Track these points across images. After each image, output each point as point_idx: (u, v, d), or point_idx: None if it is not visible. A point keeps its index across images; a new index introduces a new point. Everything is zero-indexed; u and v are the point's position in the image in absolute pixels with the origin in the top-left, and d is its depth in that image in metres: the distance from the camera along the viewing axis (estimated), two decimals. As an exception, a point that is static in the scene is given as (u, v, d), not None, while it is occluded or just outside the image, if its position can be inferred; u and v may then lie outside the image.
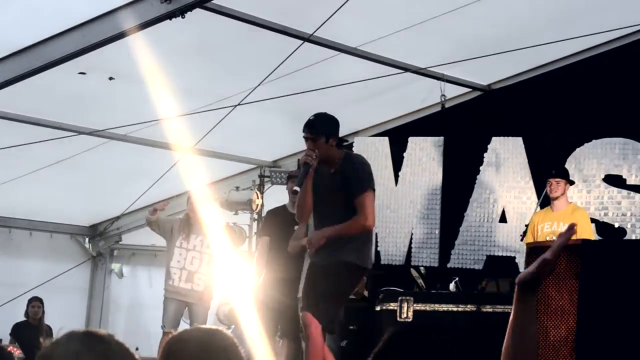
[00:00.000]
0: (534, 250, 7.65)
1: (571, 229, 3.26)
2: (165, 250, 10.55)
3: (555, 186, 9.24)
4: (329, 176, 6.98)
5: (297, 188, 6.84)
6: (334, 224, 6.95)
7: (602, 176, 10.35)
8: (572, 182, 9.46)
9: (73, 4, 8.30)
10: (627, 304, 6.92)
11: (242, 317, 12.14)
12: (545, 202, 9.46)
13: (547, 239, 8.92)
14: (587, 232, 9.09)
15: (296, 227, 10.00)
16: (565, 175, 9.35)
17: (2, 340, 12.20)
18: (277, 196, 11.23)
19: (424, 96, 11.19)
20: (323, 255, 7.05)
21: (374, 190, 7.05)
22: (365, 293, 9.44)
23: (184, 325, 10.41)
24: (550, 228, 9.14)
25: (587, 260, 7.07)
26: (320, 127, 6.95)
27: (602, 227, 10.16)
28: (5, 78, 9.04)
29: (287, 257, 9.74)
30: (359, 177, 6.91)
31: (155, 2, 8.10)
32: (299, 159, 7.01)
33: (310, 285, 7.21)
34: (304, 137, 6.98)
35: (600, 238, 9.89)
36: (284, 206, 10.26)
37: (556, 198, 9.27)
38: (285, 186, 10.49)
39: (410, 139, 11.22)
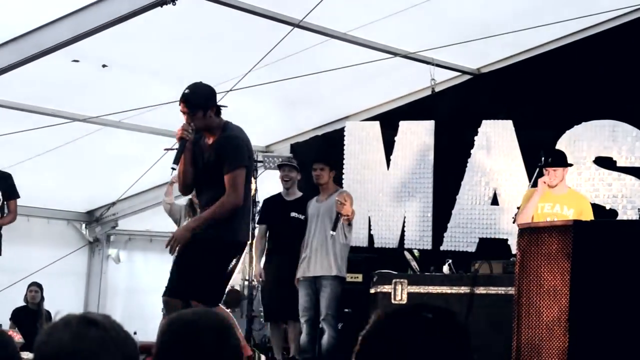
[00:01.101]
0: (526, 230, 7.70)
1: None
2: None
3: (553, 175, 8.93)
4: (207, 148, 6.76)
5: (174, 166, 6.62)
6: (211, 194, 6.72)
7: (593, 158, 10.39)
8: (570, 165, 9.32)
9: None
10: (618, 284, 6.97)
11: (241, 299, 12.29)
12: (535, 184, 9.46)
13: (548, 219, 8.85)
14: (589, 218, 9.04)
15: (294, 214, 10.13)
16: (562, 163, 9.07)
17: (2, 325, 12.27)
18: (271, 181, 11.33)
19: (414, 80, 11.25)
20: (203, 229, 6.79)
21: (246, 166, 6.77)
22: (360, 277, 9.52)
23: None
24: (551, 209, 9.04)
25: (579, 240, 7.13)
26: (197, 100, 6.65)
27: (593, 208, 10.18)
28: (-1, 66, 9.13)
29: (287, 243, 9.86)
30: (232, 153, 6.66)
31: (147, -11, 8.18)
32: (177, 134, 6.68)
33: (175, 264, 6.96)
34: (180, 111, 6.67)
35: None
36: (279, 194, 10.38)
37: (555, 185, 9.03)
38: (277, 172, 10.58)
39: (401, 123, 11.29)
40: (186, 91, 6.73)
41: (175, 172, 6.84)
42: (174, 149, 6.68)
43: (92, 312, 2.72)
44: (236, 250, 6.96)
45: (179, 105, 6.70)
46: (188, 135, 6.62)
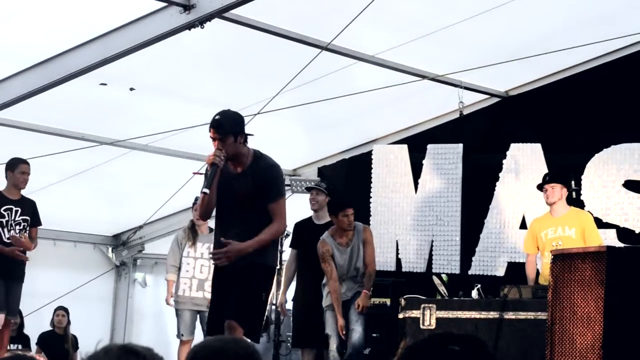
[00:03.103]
0: (559, 257, 7.63)
1: None
2: None
3: (550, 192, 9.10)
4: (234, 177, 6.72)
5: (206, 190, 6.56)
6: (244, 225, 6.67)
7: (622, 182, 10.32)
8: (569, 186, 9.34)
9: (94, 15, 8.36)
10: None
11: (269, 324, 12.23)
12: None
13: (553, 244, 8.85)
14: (596, 237, 9.07)
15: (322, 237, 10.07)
16: (559, 180, 9.19)
17: (31, 349, 12.28)
18: (298, 205, 11.28)
19: (442, 103, 11.21)
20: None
21: (285, 196, 6.90)
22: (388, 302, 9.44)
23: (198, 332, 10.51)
24: (554, 233, 9.06)
25: (613, 267, 7.06)
26: (229, 126, 6.63)
27: (622, 232, 10.15)
28: (28, 89, 9.13)
29: (316, 268, 9.80)
30: (274, 181, 6.72)
31: (174, 12, 8.17)
32: (208, 159, 6.64)
33: (226, 290, 6.89)
34: (211, 137, 6.63)
35: (621, 244, 9.89)
36: (309, 218, 10.34)
37: (553, 203, 9.14)
38: (307, 195, 10.52)
39: (429, 147, 11.25)
40: (217, 117, 6.71)
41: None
42: (201, 173, 6.65)
43: (132, 343, 2.68)
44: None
45: (209, 131, 6.66)
46: (220, 162, 6.59)
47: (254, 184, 6.68)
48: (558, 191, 9.11)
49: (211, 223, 10.72)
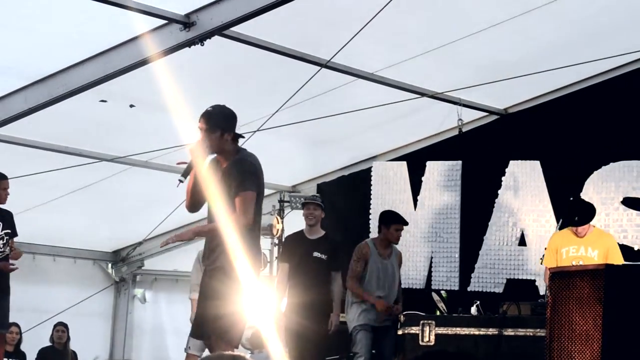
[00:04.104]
0: (557, 275, 7.65)
1: None
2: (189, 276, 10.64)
3: (582, 229, 8.98)
4: (220, 172, 6.63)
5: (182, 178, 6.50)
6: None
7: (621, 199, 10.36)
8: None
9: (94, 32, 8.40)
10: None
11: (265, 341, 12.23)
12: (564, 225, 9.41)
13: (573, 263, 8.80)
14: (618, 258, 8.95)
15: (316, 254, 10.07)
16: (589, 220, 9.04)
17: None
18: (297, 221, 11.30)
19: (441, 120, 11.25)
20: (211, 260, 6.71)
21: (254, 191, 6.60)
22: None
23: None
24: (576, 252, 8.99)
25: (611, 285, 7.08)
26: (217, 120, 6.60)
27: (621, 249, 10.14)
28: (28, 106, 9.17)
29: (308, 282, 9.79)
30: (241, 177, 6.52)
31: (175, 30, 8.22)
32: (190, 149, 6.62)
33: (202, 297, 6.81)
34: (198, 127, 6.59)
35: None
36: (301, 231, 10.32)
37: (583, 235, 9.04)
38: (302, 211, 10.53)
39: (428, 163, 11.29)
40: (209, 109, 6.71)
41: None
42: (186, 162, 6.60)
43: None
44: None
45: (198, 122, 6.63)
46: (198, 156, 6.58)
47: (229, 179, 6.58)
48: (587, 225, 9.06)
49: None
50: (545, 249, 9.19)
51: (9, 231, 9.39)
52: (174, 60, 8.56)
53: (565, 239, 9.15)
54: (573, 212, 9.15)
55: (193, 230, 6.78)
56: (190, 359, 10.32)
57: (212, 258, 6.66)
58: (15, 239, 9.48)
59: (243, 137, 6.78)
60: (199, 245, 10.84)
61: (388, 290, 9.78)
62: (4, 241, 9.37)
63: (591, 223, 9.11)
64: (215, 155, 6.72)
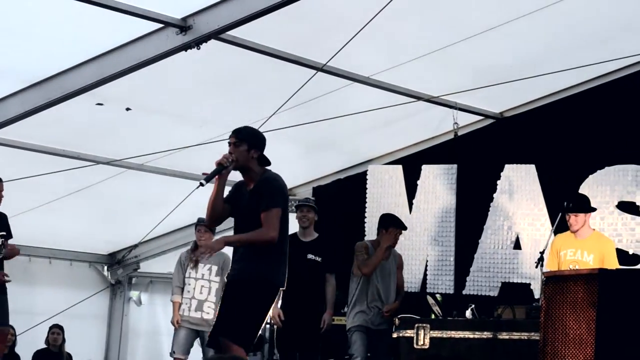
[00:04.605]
0: (551, 279, 7.66)
1: None
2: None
3: (574, 220, 9.00)
4: (247, 193, 6.84)
5: (203, 182, 6.63)
6: None
7: (616, 203, 10.37)
8: (593, 209, 9.31)
9: (90, 35, 8.41)
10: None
11: (263, 342, 12.24)
12: (559, 228, 9.43)
13: (570, 267, 8.82)
14: (613, 264, 8.95)
15: (310, 256, 10.09)
16: (582, 209, 9.09)
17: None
18: (292, 223, 11.30)
19: (436, 124, 11.26)
20: (238, 271, 6.88)
21: (282, 209, 6.83)
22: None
23: (196, 351, 10.54)
24: (574, 256, 9.00)
25: (605, 289, 7.09)
26: (246, 134, 6.84)
27: (616, 253, 10.18)
28: (25, 109, 9.19)
29: (302, 284, 9.80)
30: (270, 194, 6.74)
31: (171, 34, 8.23)
32: (219, 159, 6.78)
33: (223, 304, 6.94)
34: (227, 141, 6.84)
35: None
36: (295, 234, 10.34)
37: (577, 230, 9.06)
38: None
39: (424, 167, 11.30)
40: (240, 126, 6.94)
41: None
42: (208, 174, 6.70)
43: None
44: (276, 295, 7.05)
45: (229, 137, 6.83)
46: (226, 163, 6.67)
47: (258, 199, 6.75)
48: (582, 218, 8.99)
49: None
50: (541, 252, 9.20)
51: (4, 233, 9.39)
52: (171, 64, 8.58)
53: (565, 242, 9.15)
54: (568, 201, 9.23)
55: (224, 239, 6.84)
56: (177, 362, 10.43)
57: (237, 269, 6.83)
58: (10, 241, 9.49)
59: (270, 162, 6.91)
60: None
61: (385, 292, 9.84)
62: (0, 243, 9.37)
63: (593, 227, 9.16)
64: (241, 179, 6.93)
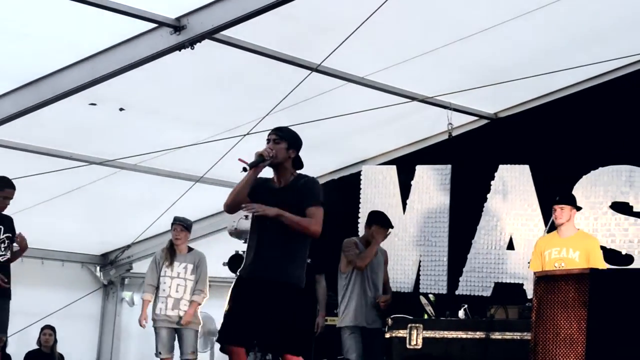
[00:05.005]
0: (543, 278, 7.68)
1: None
2: None
3: (559, 212, 9.09)
4: (277, 191, 6.82)
5: (246, 166, 6.63)
6: (285, 238, 6.71)
7: (609, 203, 10.39)
8: (578, 208, 9.37)
9: (84, 35, 8.39)
10: (635, 332, 6.94)
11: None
12: (552, 229, 9.47)
13: (556, 265, 8.88)
14: (599, 260, 9.02)
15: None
16: (569, 201, 9.20)
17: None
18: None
19: (431, 125, 11.26)
20: (275, 273, 6.75)
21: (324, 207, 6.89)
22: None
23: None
24: (558, 254, 9.06)
25: (596, 289, 7.11)
26: (287, 134, 6.91)
27: (609, 254, 10.18)
28: (18, 109, 9.16)
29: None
30: (314, 191, 6.82)
31: (164, 33, 8.21)
32: (261, 150, 6.80)
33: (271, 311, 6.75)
34: (267, 138, 6.83)
35: (607, 265, 9.93)
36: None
37: (562, 224, 9.15)
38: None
39: (418, 167, 11.30)
40: (282, 126, 7.03)
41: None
42: (246, 162, 6.70)
43: None
44: None
45: (269, 134, 6.86)
46: (267, 157, 6.69)
47: (296, 196, 6.75)
48: (567, 212, 9.09)
49: (190, 243, 10.82)
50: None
51: (10, 235, 9.40)
52: (164, 64, 8.56)
53: (548, 242, 9.22)
54: (555, 194, 9.33)
55: (277, 211, 6.66)
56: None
57: (282, 270, 6.73)
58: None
59: (303, 166, 6.95)
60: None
61: (374, 288, 9.84)
62: (5, 245, 9.38)
63: (585, 228, 9.19)
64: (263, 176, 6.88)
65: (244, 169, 6.65)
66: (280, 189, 6.82)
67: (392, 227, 10.09)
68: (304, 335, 6.89)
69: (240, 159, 6.72)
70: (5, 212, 9.34)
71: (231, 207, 6.90)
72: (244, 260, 6.89)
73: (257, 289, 6.65)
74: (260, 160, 6.70)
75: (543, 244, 9.26)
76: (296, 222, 6.66)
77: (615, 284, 7.30)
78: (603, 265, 9.08)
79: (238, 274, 6.87)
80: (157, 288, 10.45)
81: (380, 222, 9.95)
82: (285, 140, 6.83)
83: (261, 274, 6.68)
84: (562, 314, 7.24)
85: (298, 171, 6.94)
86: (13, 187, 9.31)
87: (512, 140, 11.12)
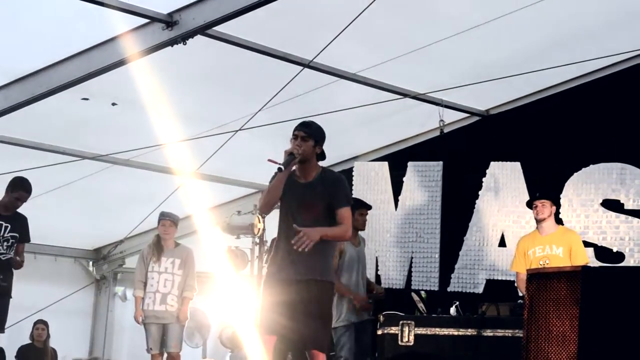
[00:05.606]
0: (534, 276, 7.68)
1: None
2: None
3: (540, 208, 9.11)
4: (303, 185, 6.93)
5: (281, 166, 6.75)
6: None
7: (600, 201, 10.41)
8: (558, 204, 9.41)
9: (76, 30, 8.38)
10: (627, 330, 6.94)
11: (244, 341, 12.24)
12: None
13: (541, 263, 8.92)
14: (582, 255, 9.10)
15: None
16: (549, 197, 9.22)
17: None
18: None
19: (422, 121, 11.27)
20: (303, 272, 6.86)
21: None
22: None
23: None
24: (542, 252, 9.09)
25: (588, 286, 7.11)
26: (315, 130, 7.01)
27: (600, 251, 10.22)
28: (9, 104, 9.14)
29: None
30: (344, 190, 6.94)
31: (157, 29, 8.21)
32: (286, 150, 6.86)
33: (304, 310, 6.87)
34: (295, 134, 6.92)
35: (599, 262, 9.96)
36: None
37: (543, 220, 9.14)
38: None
39: (410, 164, 11.31)
40: (308, 120, 7.15)
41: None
42: (276, 162, 6.75)
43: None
44: None
45: (296, 131, 6.95)
46: (298, 153, 6.80)
47: (324, 192, 6.86)
48: (548, 208, 9.13)
49: (177, 238, 10.83)
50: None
51: (16, 235, 9.44)
52: (156, 59, 8.56)
53: (530, 241, 9.25)
54: (536, 190, 9.39)
55: (320, 233, 6.71)
56: (155, 359, 10.43)
57: (315, 269, 6.82)
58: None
59: (325, 158, 7.07)
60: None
61: (361, 277, 9.87)
62: (9, 243, 9.42)
63: (575, 227, 9.22)
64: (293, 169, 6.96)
65: (279, 169, 6.78)
66: (307, 184, 6.94)
67: (369, 207, 10.17)
68: (329, 332, 7.06)
69: (270, 160, 6.80)
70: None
71: (267, 208, 7.03)
72: (272, 260, 7.06)
73: (290, 287, 6.85)
74: (291, 159, 6.79)
75: (525, 243, 9.30)
76: (337, 236, 6.90)
77: (607, 282, 7.30)
78: (585, 258, 9.14)
79: (266, 273, 7.06)
80: (145, 283, 10.47)
81: (360, 205, 9.91)
82: (313, 137, 6.95)
83: (293, 274, 6.84)
84: (554, 312, 7.22)
85: (319, 163, 7.05)
86: (27, 191, 9.39)
87: (504, 137, 11.14)
